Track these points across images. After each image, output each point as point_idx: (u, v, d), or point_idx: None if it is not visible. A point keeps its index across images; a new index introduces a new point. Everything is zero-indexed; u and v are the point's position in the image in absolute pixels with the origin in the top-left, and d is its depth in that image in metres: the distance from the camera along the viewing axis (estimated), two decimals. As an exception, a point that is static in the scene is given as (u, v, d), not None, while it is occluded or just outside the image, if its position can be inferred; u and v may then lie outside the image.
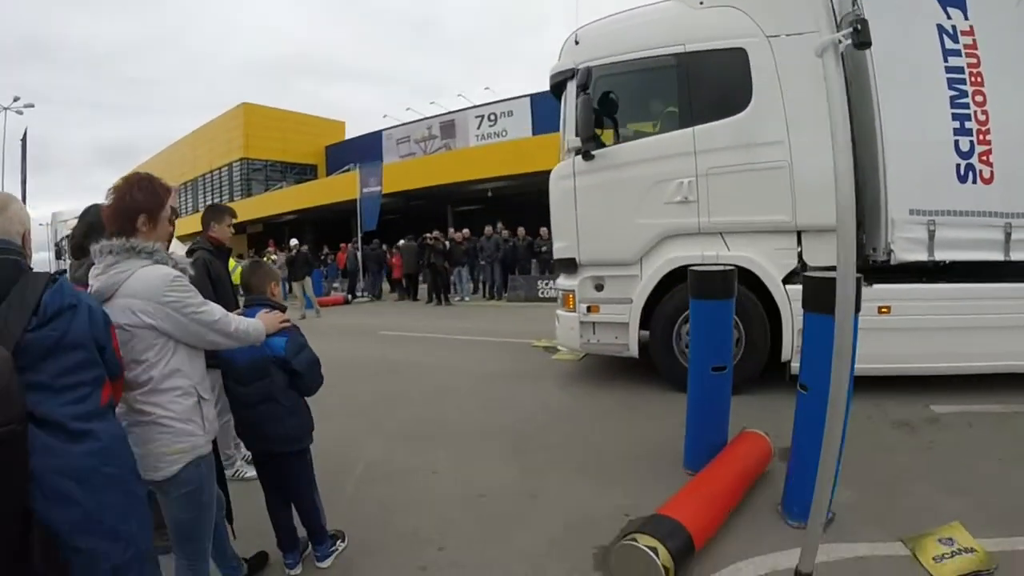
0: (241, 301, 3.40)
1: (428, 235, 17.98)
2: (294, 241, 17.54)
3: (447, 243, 17.61)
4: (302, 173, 39.34)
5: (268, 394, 2.88)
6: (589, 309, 6.26)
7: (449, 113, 32.82)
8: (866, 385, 5.19)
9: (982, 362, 5.46)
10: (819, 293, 3.32)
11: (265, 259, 21.89)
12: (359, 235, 20.48)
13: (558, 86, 6.64)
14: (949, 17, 5.58)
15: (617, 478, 4.20)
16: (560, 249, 6.45)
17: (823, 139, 5.20)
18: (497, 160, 22.92)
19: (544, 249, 17.51)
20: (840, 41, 2.45)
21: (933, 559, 2.96)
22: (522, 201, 24.37)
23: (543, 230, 17.75)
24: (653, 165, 5.93)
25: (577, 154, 6.10)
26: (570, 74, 6.24)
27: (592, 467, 4.42)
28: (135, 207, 2.27)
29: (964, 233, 5.53)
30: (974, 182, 5.56)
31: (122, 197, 2.28)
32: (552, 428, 5.37)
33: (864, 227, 5.68)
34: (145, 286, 2.19)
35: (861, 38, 2.34)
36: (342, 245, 23.49)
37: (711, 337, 4.23)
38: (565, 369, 7.63)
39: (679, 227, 5.93)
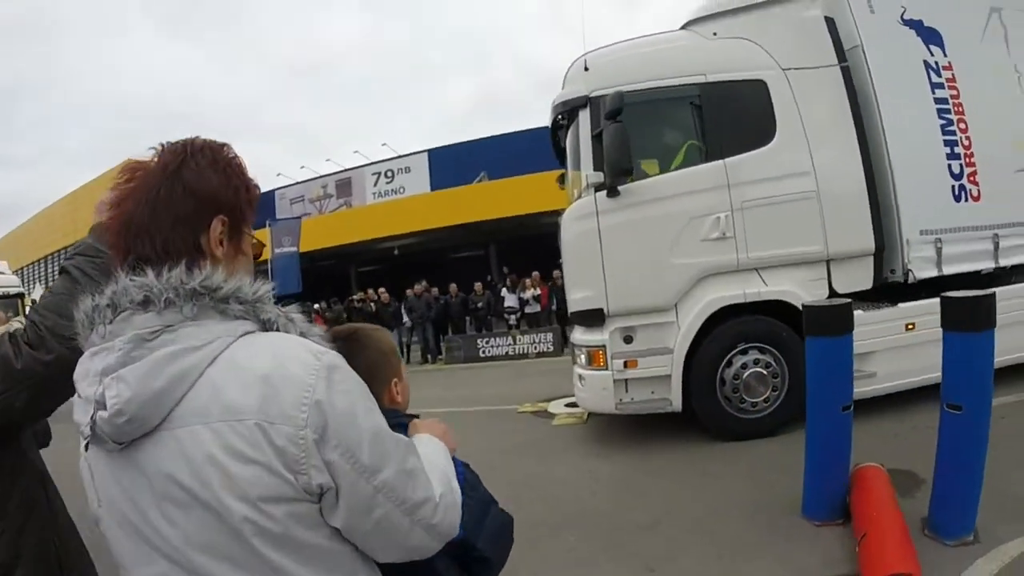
0: None
1: (354, 297, 17.09)
2: None
3: (373, 304, 16.71)
4: (194, 237, 37.04)
5: None
6: (626, 364, 5.72)
7: (345, 170, 31.99)
8: (890, 400, 5.82)
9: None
10: (960, 311, 3.52)
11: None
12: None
13: (561, 117, 6.34)
14: (932, 54, 6.21)
15: (750, 546, 3.80)
16: (581, 300, 5.91)
17: (842, 168, 5.64)
18: (400, 217, 22.37)
19: (480, 305, 17.05)
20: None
21: None
22: (427, 259, 24.02)
23: (477, 285, 17.34)
24: (687, 200, 5.66)
25: (598, 191, 5.67)
26: (582, 102, 5.87)
27: (712, 540, 3.94)
28: (207, 196, 1.05)
29: (963, 247, 6.15)
30: (966, 201, 6.20)
31: (172, 173, 1.03)
32: (626, 503, 4.77)
33: (885, 251, 5.97)
34: (263, 389, 0.93)
35: None
36: None
37: (835, 375, 3.97)
38: (578, 433, 6.99)
39: (718, 265, 5.68)
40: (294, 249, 19.24)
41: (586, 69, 5.92)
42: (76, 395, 1.01)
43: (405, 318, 16.79)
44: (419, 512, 1.05)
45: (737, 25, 6.02)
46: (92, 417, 0.93)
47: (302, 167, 34.31)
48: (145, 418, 0.91)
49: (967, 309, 3.51)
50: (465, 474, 1.38)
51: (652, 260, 5.64)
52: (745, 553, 3.72)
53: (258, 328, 1.02)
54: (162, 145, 1.08)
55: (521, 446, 6.79)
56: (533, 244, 16.53)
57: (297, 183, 33.10)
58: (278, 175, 33.77)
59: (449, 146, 28.82)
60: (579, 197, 6.02)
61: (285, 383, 0.93)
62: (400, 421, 1.42)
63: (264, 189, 29.55)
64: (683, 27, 6.28)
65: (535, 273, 16.64)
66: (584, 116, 5.86)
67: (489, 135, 26.91)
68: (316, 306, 18.70)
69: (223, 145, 1.13)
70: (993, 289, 3.73)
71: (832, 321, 3.98)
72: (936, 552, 3.41)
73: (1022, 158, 6.57)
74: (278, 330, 1.04)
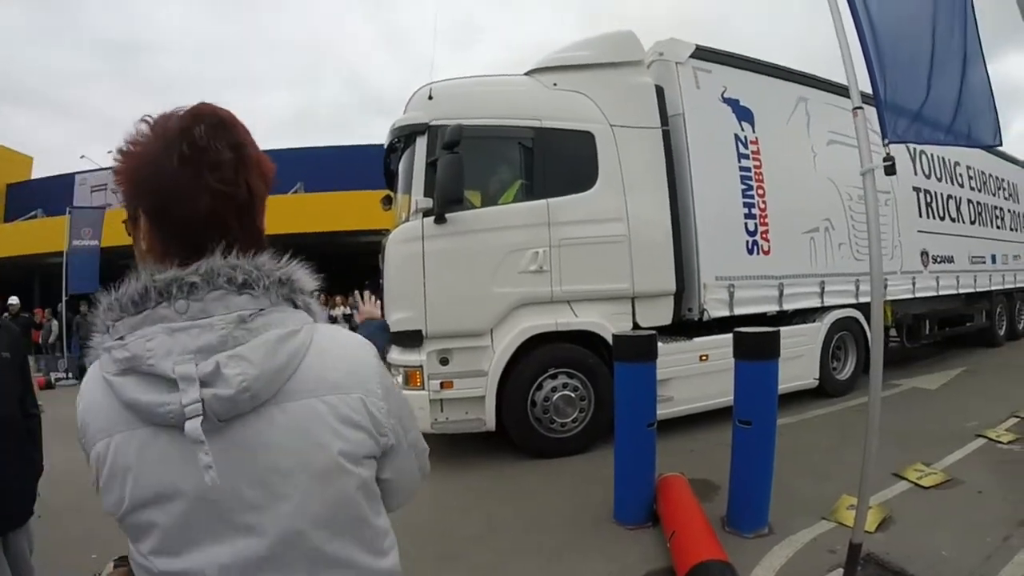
0: None
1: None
2: (14, 300, 14.55)
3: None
4: (-29, 214, 31.31)
5: None
6: (442, 385, 6.20)
7: (155, 162, 30.20)
8: (685, 421, 7.00)
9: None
10: (752, 345, 4.54)
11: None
12: (64, 299, 17.82)
13: (397, 141, 6.74)
14: (742, 129, 7.63)
15: (573, 551, 4.39)
16: (401, 320, 6.19)
17: (652, 218, 6.88)
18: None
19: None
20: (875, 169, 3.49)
21: (855, 520, 3.69)
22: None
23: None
24: (509, 233, 6.30)
25: (426, 216, 6.10)
26: (422, 129, 6.35)
27: (538, 548, 4.44)
28: (262, 187, 1.20)
29: (752, 292, 7.54)
30: (758, 255, 7.67)
31: (244, 156, 1.13)
32: (452, 519, 5.10)
33: (684, 292, 7.09)
34: (353, 369, 1.13)
35: (890, 170, 3.40)
36: (36, 311, 20.26)
37: (641, 396, 4.81)
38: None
39: (533, 296, 6.36)
40: (95, 243, 18.08)
41: (430, 98, 6.40)
42: (129, 373, 1.00)
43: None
44: (423, 459, 1.34)
45: (576, 79, 6.89)
46: (200, 396, 0.96)
47: (109, 152, 31.79)
48: (262, 393, 1.00)
49: (756, 342, 4.53)
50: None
51: (472, 287, 6.19)
52: (570, 557, 4.30)
53: (311, 317, 1.14)
54: (207, 112, 1.10)
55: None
56: (340, 262, 16.59)
57: (102, 169, 30.71)
58: (82, 157, 31.14)
59: (266, 151, 28.05)
60: (406, 220, 6.44)
61: (363, 365, 1.14)
62: None
63: (63, 172, 27.00)
64: (527, 73, 7.04)
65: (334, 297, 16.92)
66: (421, 142, 6.34)
67: (309, 145, 27.22)
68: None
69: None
70: (778, 328, 4.80)
71: (639, 349, 4.85)
72: (737, 543, 4.20)
73: (807, 222, 8.22)
74: (315, 321, 1.15)
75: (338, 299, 16.95)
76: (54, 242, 18.76)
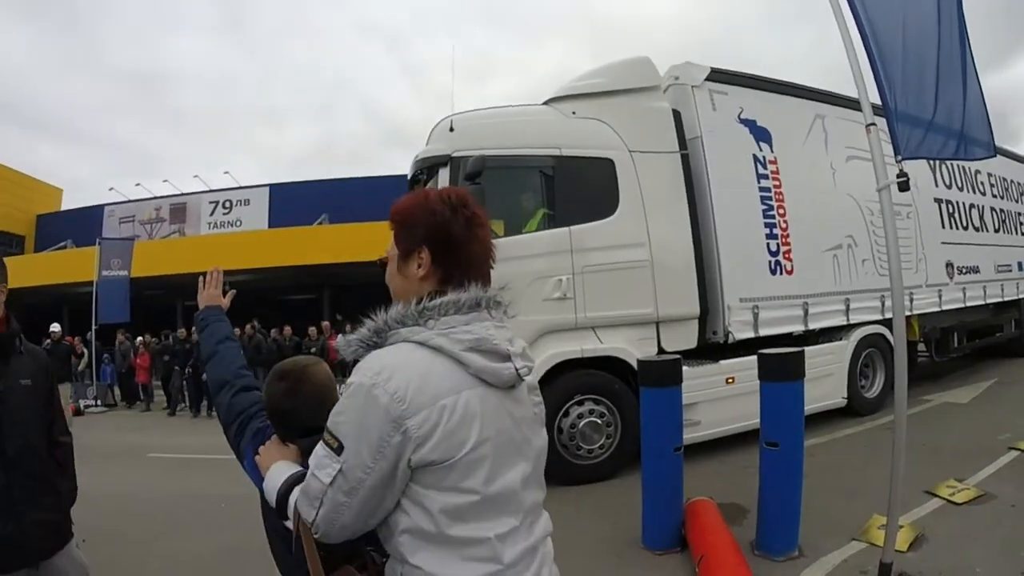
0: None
1: (178, 334, 16.61)
2: (56, 327, 14.83)
3: (200, 342, 16.26)
4: (6, 244, 31.77)
5: None
6: None
7: (181, 195, 30.98)
8: (713, 444, 6.90)
9: None
10: (776, 366, 4.59)
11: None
12: (93, 328, 18.15)
13: (420, 172, 6.83)
14: (760, 149, 7.65)
15: (603, 574, 4.45)
16: None
17: (674, 242, 6.89)
18: (236, 252, 21.76)
19: (313, 350, 16.95)
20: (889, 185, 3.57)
21: (885, 539, 3.72)
22: (258, 298, 23.60)
23: (312, 329, 17.34)
24: (532, 262, 6.34)
25: None
26: (444, 160, 6.44)
27: (566, 573, 4.40)
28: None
29: (777, 313, 7.50)
30: (781, 274, 7.64)
31: (488, 222, 1.67)
32: None
33: (709, 315, 7.09)
34: None
35: (904, 187, 3.43)
36: (68, 339, 20.58)
37: (667, 420, 4.83)
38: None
39: (557, 323, 6.40)
40: (124, 273, 18.43)
41: (451, 130, 6.51)
42: (472, 351, 1.42)
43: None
44: None
45: (594, 107, 6.99)
46: (524, 364, 1.50)
47: (137, 184, 32.66)
48: None
49: (781, 363, 4.57)
50: None
51: None
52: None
53: None
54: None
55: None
56: (368, 292, 16.69)
57: (129, 201, 31.56)
58: (111, 189, 32.07)
59: (292, 183, 29.29)
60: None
61: None
62: None
63: (93, 203, 27.12)
64: (545, 103, 7.16)
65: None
66: (444, 174, 6.42)
67: (333, 177, 28.07)
68: (140, 338, 18.01)
69: None
70: (803, 348, 4.86)
71: (664, 374, 4.90)
72: (767, 567, 4.18)
73: (830, 240, 8.20)
74: None
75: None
76: (83, 272, 19.14)
